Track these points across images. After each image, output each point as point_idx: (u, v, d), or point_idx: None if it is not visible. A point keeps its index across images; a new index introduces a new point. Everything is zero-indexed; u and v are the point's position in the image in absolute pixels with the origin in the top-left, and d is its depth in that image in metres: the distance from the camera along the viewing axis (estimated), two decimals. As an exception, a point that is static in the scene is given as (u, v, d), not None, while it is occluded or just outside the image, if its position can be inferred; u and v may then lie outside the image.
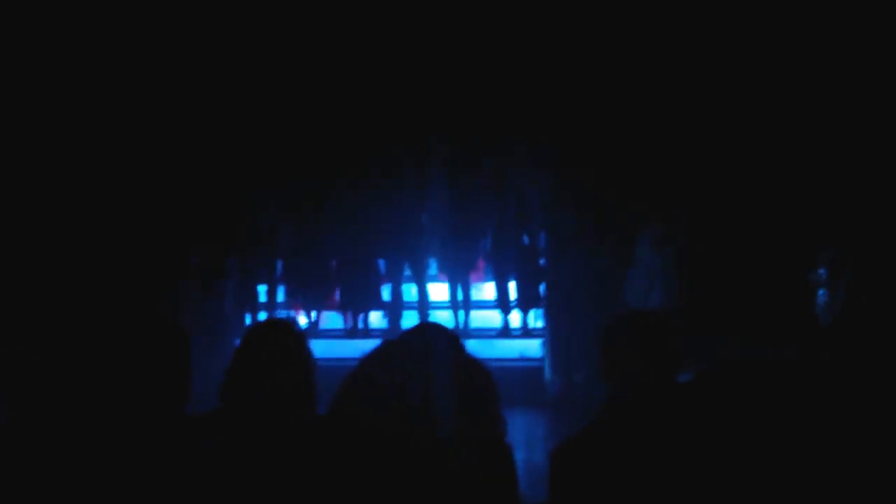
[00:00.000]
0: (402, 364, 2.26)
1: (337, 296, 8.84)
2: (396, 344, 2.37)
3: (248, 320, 8.87)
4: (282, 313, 9.06)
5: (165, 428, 1.97)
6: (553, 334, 8.49)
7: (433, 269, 8.99)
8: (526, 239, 8.36)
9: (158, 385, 2.02)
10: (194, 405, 2.27)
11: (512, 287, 8.54)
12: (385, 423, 2.17)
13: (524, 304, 8.49)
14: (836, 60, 7.79)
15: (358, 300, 8.73)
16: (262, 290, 9.07)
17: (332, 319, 9.23)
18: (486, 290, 9.05)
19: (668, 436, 2.22)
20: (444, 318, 8.82)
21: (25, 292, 7.77)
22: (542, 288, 8.41)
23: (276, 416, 2.28)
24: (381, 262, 8.85)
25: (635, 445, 2.25)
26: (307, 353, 2.47)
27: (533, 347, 8.52)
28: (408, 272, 8.81)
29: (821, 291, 7.42)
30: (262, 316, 8.97)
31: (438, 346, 2.31)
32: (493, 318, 8.77)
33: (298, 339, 2.47)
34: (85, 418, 1.93)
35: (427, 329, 2.44)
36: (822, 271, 7.43)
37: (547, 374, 8.44)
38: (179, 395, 2.13)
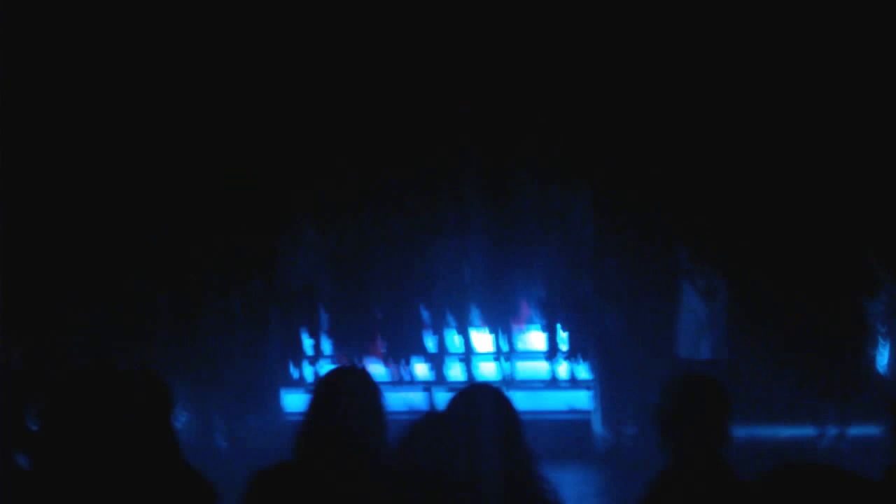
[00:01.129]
0: (448, 441, 2.19)
1: (381, 346, 8.79)
2: (443, 419, 2.28)
3: (293, 371, 8.87)
4: (325, 364, 9.04)
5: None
6: (602, 386, 8.31)
7: (476, 317, 8.92)
8: (577, 288, 8.25)
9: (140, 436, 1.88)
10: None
11: (562, 336, 8.41)
12: (434, 494, 2.10)
13: (573, 355, 8.35)
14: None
15: (402, 349, 8.67)
16: (307, 342, 9.08)
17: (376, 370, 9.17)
18: (534, 340, 8.93)
19: None
20: (489, 368, 8.72)
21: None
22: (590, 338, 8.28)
23: (354, 468, 2.21)
24: (425, 311, 8.80)
25: None
26: (382, 403, 2.37)
27: (582, 399, 8.34)
28: (452, 321, 8.75)
29: (880, 334, 7.16)
30: (307, 367, 8.97)
31: (485, 415, 2.23)
32: (540, 368, 8.62)
33: (375, 389, 2.37)
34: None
35: (474, 398, 2.32)
36: (879, 308, 7.18)
37: (596, 427, 8.23)
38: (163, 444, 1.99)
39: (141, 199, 9.42)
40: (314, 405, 2.32)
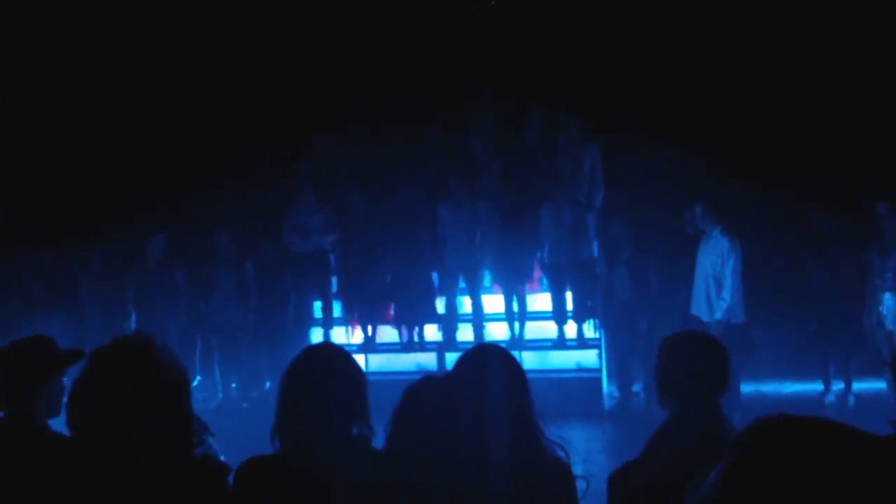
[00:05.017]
0: (457, 399, 2.24)
1: (392, 310, 8.89)
2: (450, 378, 2.34)
3: (311, 335, 9.02)
4: (338, 328, 9.17)
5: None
6: (609, 345, 8.41)
7: (487, 280, 8.98)
8: (582, 250, 8.30)
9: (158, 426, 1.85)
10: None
11: (568, 298, 8.48)
12: (441, 456, 2.17)
13: (580, 315, 8.42)
14: None
15: (412, 314, 8.77)
16: (317, 306, 9.20)
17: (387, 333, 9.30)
18: (542, 301, 9.00)
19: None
20: (498, 330, 8.82)
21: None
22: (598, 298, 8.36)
23: (330, 436, 2.25)
24: (435, 276, 8.88)
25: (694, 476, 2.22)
26: (351, 367, 2.39)
27: (590, 358, 8.44)
28: (462, 284, 8.82)
29: (888, 290, 7.19)
30: (319, 331, 9.10)
31: (492, 374, 2.29)
32: (548, 328, 8.71)
33: (342, 358, 2.39)
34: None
35: (481, 357, 2.38)
36: (888, 276, 7.20)
37: (604, 385, 8.35)
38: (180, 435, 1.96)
39: (152, 164, 9.56)
40: (285, 391, 2.31)
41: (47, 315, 8.24)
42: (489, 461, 2.18)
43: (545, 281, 8.78)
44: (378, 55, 9.60)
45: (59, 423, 2.23)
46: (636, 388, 8.09)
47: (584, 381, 8.19)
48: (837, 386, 7.81)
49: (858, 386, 7.71)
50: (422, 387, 2.36)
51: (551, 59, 9.15)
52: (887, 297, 7.19)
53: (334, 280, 9.26)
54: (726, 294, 7.28)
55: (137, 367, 1.78)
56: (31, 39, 9.21)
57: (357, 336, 9.11)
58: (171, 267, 8.77)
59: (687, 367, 2.47)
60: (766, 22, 8.77)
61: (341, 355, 2.40)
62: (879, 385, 7.34)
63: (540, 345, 8.62)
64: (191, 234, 9.23)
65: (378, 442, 2.35)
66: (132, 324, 8.51)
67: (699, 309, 7.45)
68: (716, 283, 7.38)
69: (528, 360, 8.07)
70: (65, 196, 9.21)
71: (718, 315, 7.27)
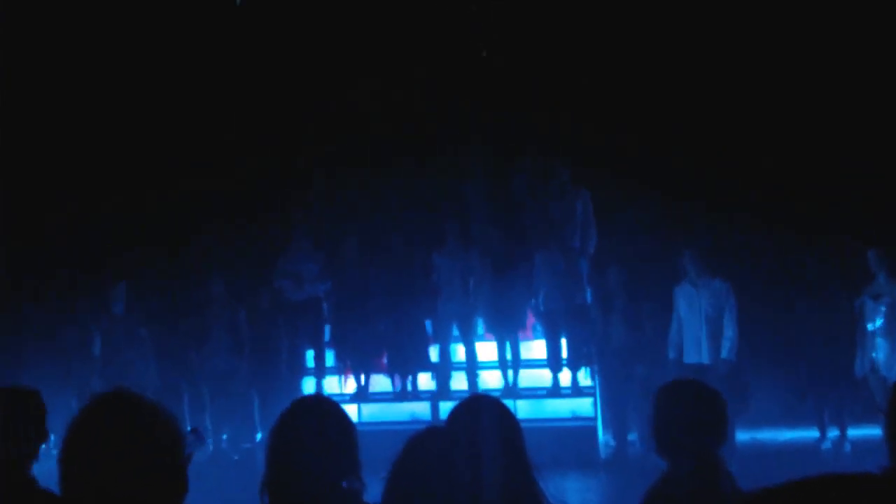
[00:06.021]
0: (451, 452, 2.23)
1: (385, 358, 8.84)
2: (445, 430, 2.33)
3: (303, 384, 8.95)
4: (331, 377, 9.09)
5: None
6: (605, 393, 8.36)
7: (480, 328, 8.95)
8: (576, 297, 8.30)
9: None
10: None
11: (563, 345, 8.45)
12: None
13: (575, 362, 8.38)
14: None
15: (406, 362, 8.71)
16: (310, 354, 9.13)
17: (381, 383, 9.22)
18: (535, 349, 8.96)
19: None
20: (492, 378, 8.76)
21: None
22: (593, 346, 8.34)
23: (320, 491, 2.20)
24: (429, 324, 8.85)
25: None
26: (341, 419, 2.34)
27: (585, 406, 8.38)
28: (455, 332, 8.79)
29: (879, 336, 7.18)
30: (312, 380, 9.02)
31: (486, 425, 2.27)
32: (543, 376, 8.66)
33: (339, 419, 2.34)
34: None
35: (474, 409, 2.37)
36: (880, 321, 7.21)
37: (600, 433, 8.28)
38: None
39: (144, 209, 9.55)
40: (274, 445, 2.29)
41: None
42: None
43: (539, 328, 8.76)
44: (371, 101, 9.68)
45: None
46: (632, 436, 8.01)
47: (580, 430, 8.12)
48: (833, 433, 7.76)
49: (854, 433, 7.66)
50: (423, 439, 2.35)
51: (543, 104, 9.25)
52: (880, 342, 7.18)
53: (327, 329, 9.22)
54: (730, 332, 7.30)
55: (136, 423, 1.76)
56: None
57: (350, 385, 9.03)
58: (137, 320, 8.58)
59: (684, 419, 2.43)
60: (758, 66, 8.89)
61: (331, 407, 2.37)
62: (875, 431, 7.29)
63: (534, 393, 8.56)
64: (182, 283, 9.20)
65: (370, 496, 2.31)
66: (98, 376, 8.28)
67: (694, 355, 7.43)
68: (712, 326, 7.38)
69: (523, 408, 7.99)
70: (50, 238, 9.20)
71: (726, 354, 7.27)
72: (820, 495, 1.00)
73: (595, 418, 8.28)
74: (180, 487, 1.77)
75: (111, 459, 1.69)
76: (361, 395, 8.82)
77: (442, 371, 8.71)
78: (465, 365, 8.73)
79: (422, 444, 2.33)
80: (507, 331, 8.55)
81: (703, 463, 2.38)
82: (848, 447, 7.56)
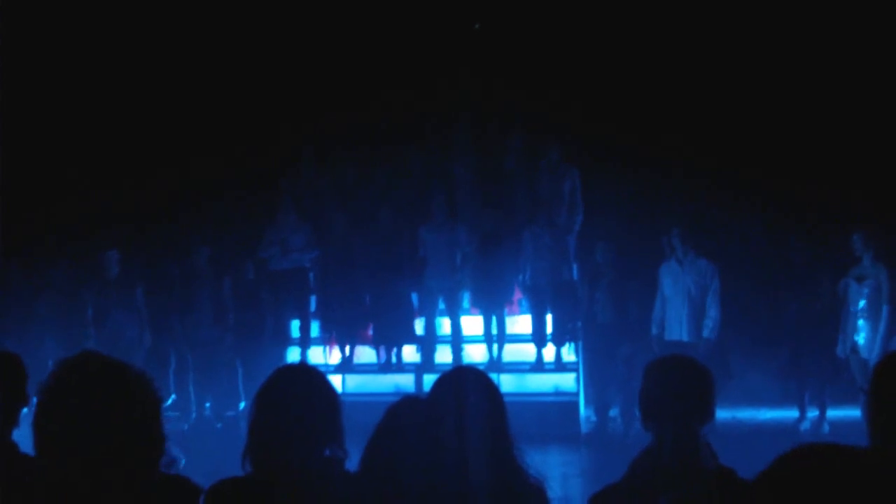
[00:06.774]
0: (435, 421, 2.24)
1: (370, 330, 8.85)
2: (427, 400, 2.33)
3: (288, 354, 8.96)
4: (316, 347, 9.11)
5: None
6: (588, 369, 8.41)
7: (466, 302, 8.97)
8: (563, 273, 8.32)
9: None
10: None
11: (548, 320, 8.49)
12: (419, 476, 2.15)
13: (560, 338, 8.42)
14: None
15: (391, 334, 8.73)
16: (295, 324, 9.14)
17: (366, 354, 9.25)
18: (521, 324, 9.00)
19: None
20: (477, 352, 8.79)
21: None
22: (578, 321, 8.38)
23: (302, 458, 2.22)
24: (414, 297, 8.86)
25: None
26: (325, 388, 2.34)
27: (567, 382, 8.43)
28: (441, 306, 8.80)
29: (861, 317, 7.25)
30: (296, 350, 9.03)
31: (468, 397, 2.28)
32: (527, 351, 8.70)
33: (316, 380, 2.34)
34: None
35: (459, 380, 2.37)
36: (862, 303, 7.27)
37: (581, 408, 8.34)
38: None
39: (135, 184, 9.50)
40: (257, 412, 2.28)
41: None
42: (466, 484, 2.17)
43: (524, 303, 8.79)
44: (361, 78, 9.64)
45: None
46: (613, 412, 8.09)
47: (562, 405, 8.18)
48: (812, 413, 7.85)
49: (833, 413, 7.76)
50: (402, 407, 2.35)
51: (534, 83, 9.23)
52: (862, 324, 7.25)
53: (313, 299, 9.22)
54: (713, 312, 7.41)
55: (107, 384, 1.75)
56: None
57: (335, 356, 9.05)
58: (131, 284, 8.52)
59: (673, 392, 2.46)
60: (746, 50, 8.90)
61: (315, 376, 2.36)
62: (854, 413, 7.39)
63: (518, 368, 8.61)
64: (169, 251, 9.16)
65: (352, 464, 2.32)
66: (92, 340, 8.29)
67: (676, 332, 7.52)
68: (695, 305, 7.47)
69: (506, 382, 8.05)
70: (35, 208, 9.12)
71: (707, 333, 7.37)
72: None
73: (577, 393, 8.34)
74: (156, 445, 1.77)
75: (82, 421, 1.69)
76: (346, 366, 8.84)
77: (427, 344, 8.74)
78: (450, 338, 8.76)
79: (402, 412, 2.33)
80: (494, 305, 8.57)
81: (685, 437, 2.41)
82: (826, 428, 7.65)
